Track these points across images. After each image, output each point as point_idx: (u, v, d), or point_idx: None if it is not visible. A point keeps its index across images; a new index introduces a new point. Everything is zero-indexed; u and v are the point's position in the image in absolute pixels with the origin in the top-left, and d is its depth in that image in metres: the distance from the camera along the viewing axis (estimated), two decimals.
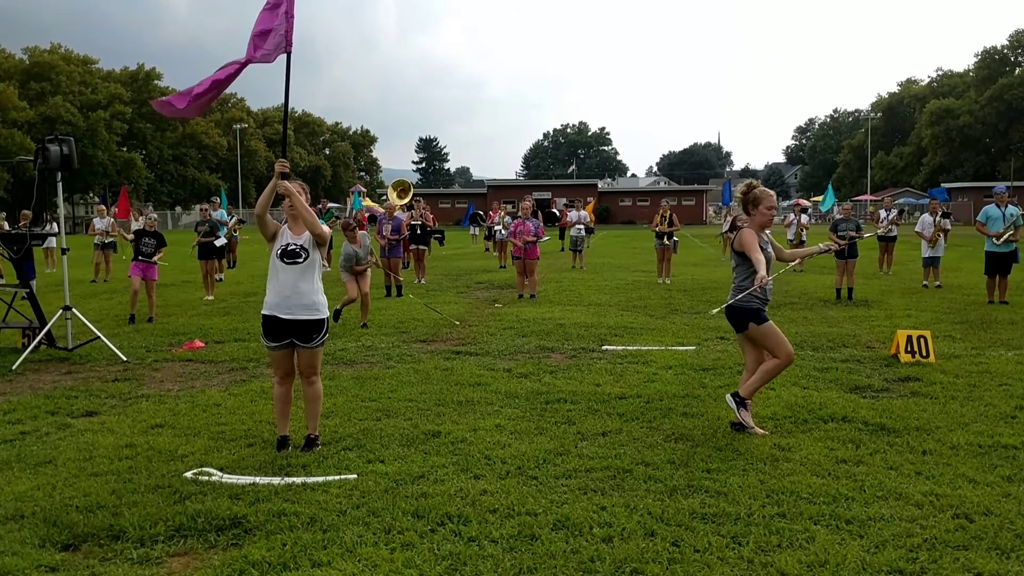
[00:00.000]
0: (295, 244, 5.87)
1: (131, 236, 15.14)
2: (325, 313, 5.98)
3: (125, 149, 75.76)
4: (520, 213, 16.50)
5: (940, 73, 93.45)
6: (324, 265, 6.15)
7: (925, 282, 17.35)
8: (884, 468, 5.49)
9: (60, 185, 10.51)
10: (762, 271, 6.03)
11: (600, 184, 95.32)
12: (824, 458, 5.69)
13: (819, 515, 4.68)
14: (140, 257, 13.11)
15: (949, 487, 5.11)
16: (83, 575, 4.04)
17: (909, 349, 9.07)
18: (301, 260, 5.86)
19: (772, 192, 6.55)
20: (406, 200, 18.22)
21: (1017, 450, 5.86)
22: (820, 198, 46.19)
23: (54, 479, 5.41)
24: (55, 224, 12.46)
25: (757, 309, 6.33)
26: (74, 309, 10.42)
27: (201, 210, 19.04)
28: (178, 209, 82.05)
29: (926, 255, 17.37)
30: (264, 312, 5.94)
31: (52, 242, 22.12)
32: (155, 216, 14.17)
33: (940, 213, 17.57)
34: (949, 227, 17.79)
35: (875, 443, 6.05)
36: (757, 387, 6.46)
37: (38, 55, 71.35)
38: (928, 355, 9.01)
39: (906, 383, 8.09)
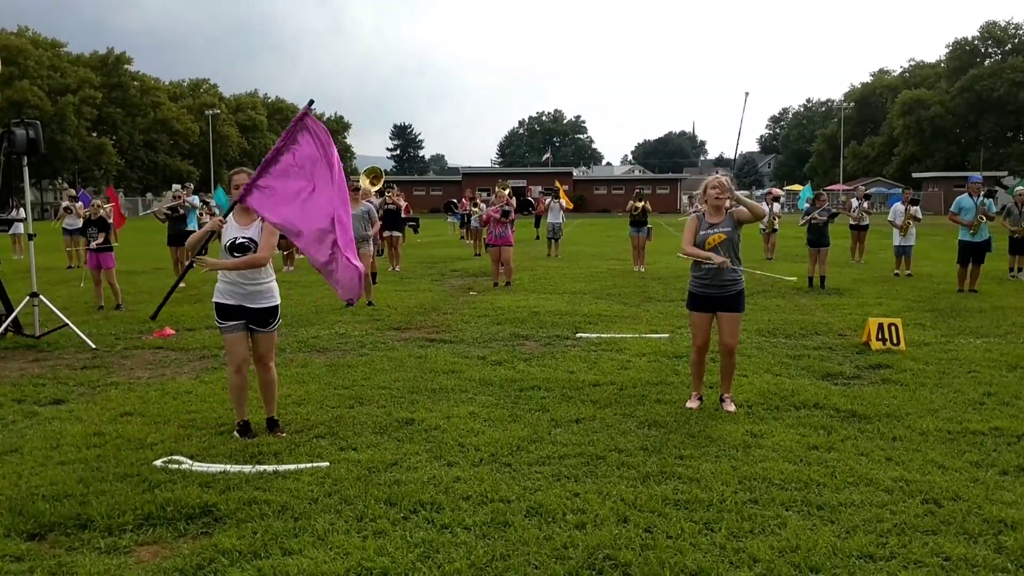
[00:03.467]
0: (244, 237, 5.86)
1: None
2: (278, 299, 6.02)
3: (95, 134, 74.64)
4: (494, 200, 16.39)
5: (912, 64, 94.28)
6: (289, 267, 6.14)
7: (897, 271, 17.54)
8: (855, 454, 5.54)
9: (26, 170, 10.32)
10: (690, 250, 6.64)
11: (575, 172, 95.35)
12: (796, 444, 5.73)
13: (791, 501, 4.71)
14: (91, 247, 12.89)
15: (918, 473, 5.16)
16: (49, 564, 3.98)
17: (880, 337, 9.16)
18: (251, 253, 5.86)
19: (716, 175, 6.81)
20: (378, 187, 18.06)
21: (985, 436, 5.93)
22: (795, 187, 46.34)
23: (20, 468, 5.33)
24: (22, 210, 12.27)
25: (690, 293, 6.79)
26: (41, 296, 10.27)
27: (175, 196, 18.47)
28: (149, 195, 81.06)
29: (897, 244, 17.55)
30: (216, 300, 5.95)
31: (19, 228, 21.75)
32: (99, 202, 13.76)
33: (910, 203, 17.72)
34: (920, 216, 17.91)
35: (846, 430, 6.11)
36: (692, 378, 6.97)
37: (4, 38, 69.97)
38: (899, 343, 9.10)
39: (877, 370, 8.17)
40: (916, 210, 17.64)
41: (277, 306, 6.01)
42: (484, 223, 16.03)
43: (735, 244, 6.59)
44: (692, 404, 6.79)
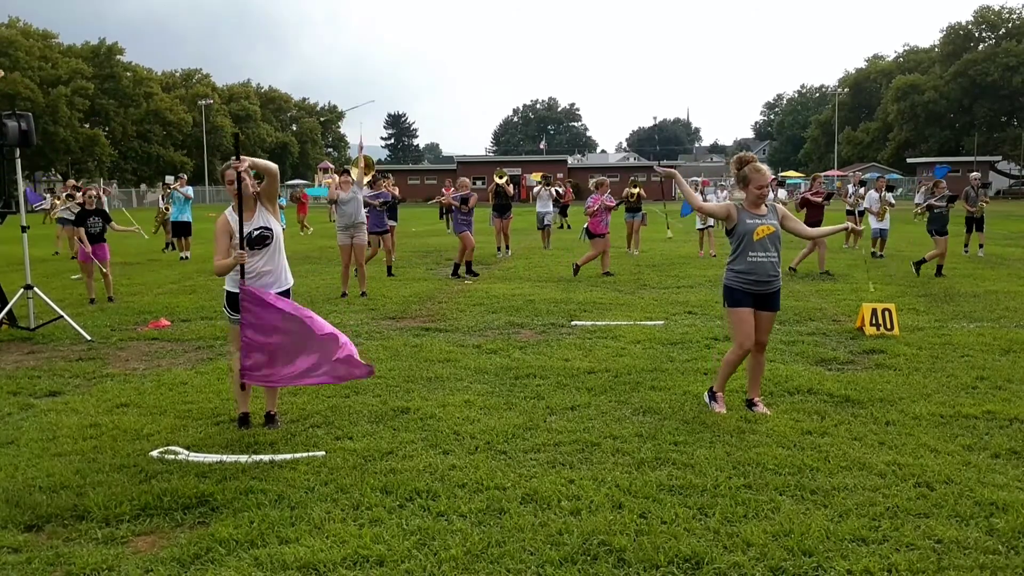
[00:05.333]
0: (259, 227, 5.81)
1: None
2: (289, 283, 5.99)
3: (88, 126, 74.35)
4: (595, 189, 15.89)
5: (906, 49, 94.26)
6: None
7: (874, 250, 18.70)
8: (848, 439, 5.57)
9: (19, 162, 10.29)
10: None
11: (570, 160, 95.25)
12: (790, 430, 5.75)
13: (784, 486, 4.74)
14: (89, 239, 12.84)
15: (911, 457, 5.19)
16: (47, 555, 4.00)
17: (874, 322, 9.19)
18: (270, 241, 5.84)
19: (764, 169, 6.18)
20: (369, 176, 17.66)
21: (977, 420, 5.96)
22: (790, 173, 46.19)
23: (17, 460, 5.34)
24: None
25: (731, 289, 6.15)
26: (36, 288, 10.25)
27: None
28: (143, 187, 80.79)
29: (875, 227, 18.82)
30: (227, 288, 5.93)
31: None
32: (95, 194, 13.87)
33: (884, 189, 19.04)
34: (894, 202, 19.10)
35: (840, 415, 6.13)
36: (721, 378, 6.33)
37: None
38: (892, 328, 9.13)
39: (871, 355, 8.20)
40: (889, 196, 18.93)
41: (287, 291, 5.93)
42: (592, 212, 15.40)
43: (779, 237, 6.16)
44: (722, 408, 6.24)
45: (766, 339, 6.34)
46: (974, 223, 18.64)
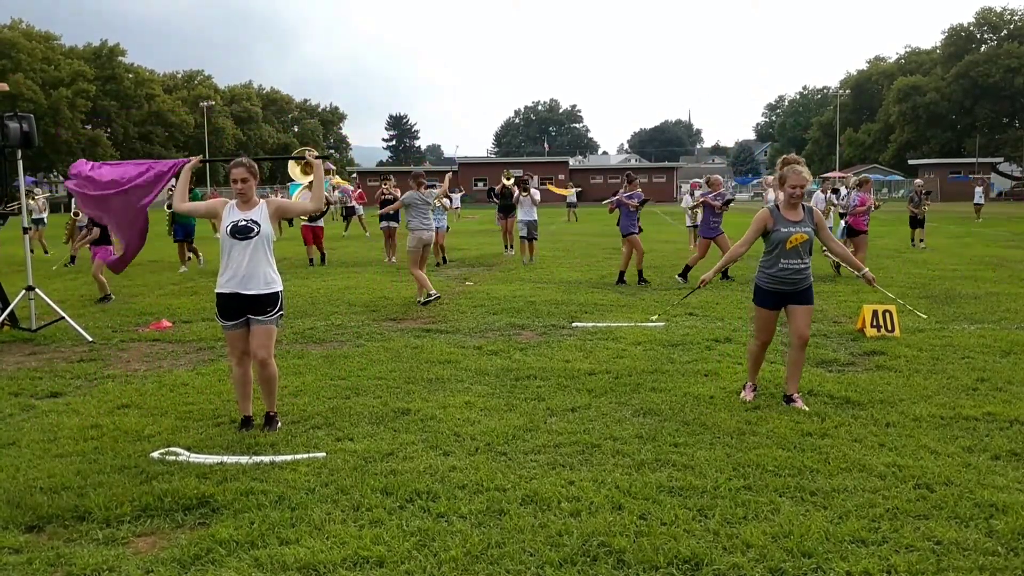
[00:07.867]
0: (246, 219, 5.83)
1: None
2: (279, 287, 5.95)
3: (89, 127, 74.41)
4: (860, 187, 15.15)
5: (908, 50, 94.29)
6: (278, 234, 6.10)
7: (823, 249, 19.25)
8: (848, 440, 5.57)
9: (20, 163, 10.31)
10: (728, 255, 6.73)
11: (572, 161, 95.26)
12: (790, 431, 5.76)
13: (784, 487, 4.74)
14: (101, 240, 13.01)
15: (911, 458, 5.19)
16: (48, 556, 4.00)
17: (875, 324, 9.19)
18: (254, 235, 5.82)
19: (802, 170, 6.23)
20: (311, 177, 16.66)
21: (977, 421, 5.97)
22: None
23: (18, 460, 5.35)
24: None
25: (760, 288, 6.46)
26: (37, 289, 10.26)
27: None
28: None
29: None
30: (217, 290, 5.94)
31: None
32: None
33: (831, 191, 20.38)
34: (837, 203, 19.88)
35: (840, 416, 6.13)
36: (749, 369, 6.75)
37: None
38: (893, 329, 9.13)
39: (871, 357, 8.20)
40: (834, 198, 19.93)
41: (276, 293, 5.91)
42: (860, 211, 14.77)
43: (812, 244, 6.33)
44: (748, 396, 6.60)
45: (807, 333, 6.47)
46: (917, 222, 22.32)
